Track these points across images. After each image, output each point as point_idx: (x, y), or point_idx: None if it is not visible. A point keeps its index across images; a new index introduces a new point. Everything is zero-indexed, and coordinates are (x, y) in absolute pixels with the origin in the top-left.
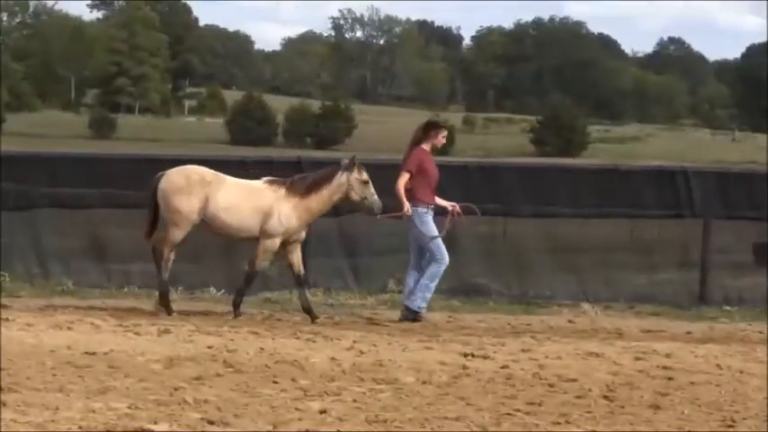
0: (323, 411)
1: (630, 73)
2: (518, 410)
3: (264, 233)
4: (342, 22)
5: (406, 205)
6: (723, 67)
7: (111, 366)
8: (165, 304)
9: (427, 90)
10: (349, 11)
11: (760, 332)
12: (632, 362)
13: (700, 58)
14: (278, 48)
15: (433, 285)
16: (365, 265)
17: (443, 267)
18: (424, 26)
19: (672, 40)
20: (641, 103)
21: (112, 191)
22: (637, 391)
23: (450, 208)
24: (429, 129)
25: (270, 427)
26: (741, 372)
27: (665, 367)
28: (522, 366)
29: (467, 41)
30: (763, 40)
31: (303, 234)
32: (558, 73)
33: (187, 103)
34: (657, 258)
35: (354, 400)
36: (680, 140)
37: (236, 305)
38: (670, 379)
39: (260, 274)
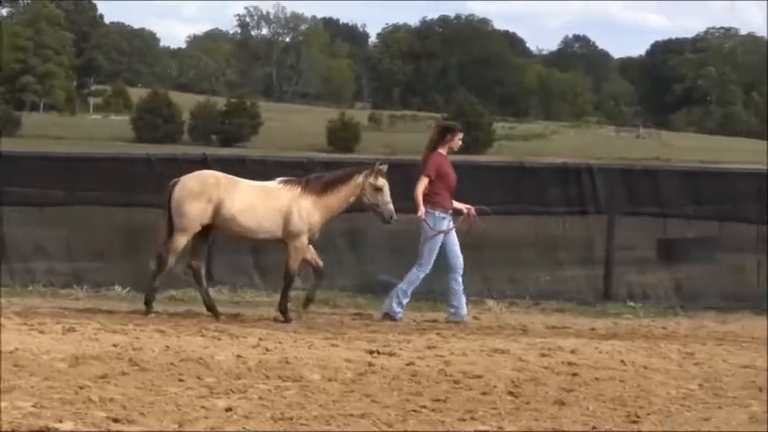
0: (228, 409)
1: (535, 70)
2: (424, 407)
3: (290, 234)
4: (248, 19)
5: (421, 210)
6: (627, 64)
7: (16, 365)
8: (147, 304)
9: (333, 87)
10: (255, 8)
11: (663, 328)
12: (537, 358)
13: (604, 56)
14: (183, 45)
15: (410, 290)
16: (271, 262)
17: (423, 275)
18: (329, 23)
19: (576, 37)
20: (546, 101)
21: (14, 189)
22: (542, 387)
23: (465, 210)
24: (445, 132)
25: (175, 426)
26: (645, 367)
27: (569, 363)
28: (427, 363)
29: (373, 39)
30: (665, 37)
31: (317, 232)
32: (464, 70)
33: (92, 100)
34: (562, 255)
35: (260, 398)
36: (585, 137)
37: (284, 311)
38: (575, 375)
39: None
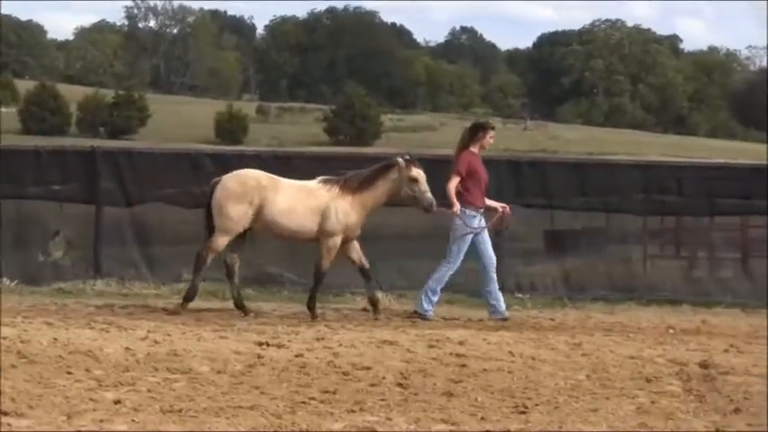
0: (117, 401)
1: (423, 62)
2: (313, 399)
3: (324, 233)
4: (135, 11)
5: (456, 206)
6: (514, 56)
7: None
8: (186, 300)
9: (221, 79)
10: (142, 0)
11: (551, 319)
12: (426, 349)
13: (491, 48)
14: (71, 37)
15: (439, 288)
16: (158, 254)
17: (451, 271)
18: (217, 16)
19: (464, 29)
20: (434, 92)
21: None
22: (430, 379)
23: (500, 209)
24: (476, 130)
25: (64, 418)
26: (533, 358)
27: (458, 355)
28: (316, 355)
29: (260, 31)
30: (552, 29)
31: (358, 230)
32: (352, 62)
33: None
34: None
35: (149, 390)
36: None
37: (312, 308)
38: (463, 366)
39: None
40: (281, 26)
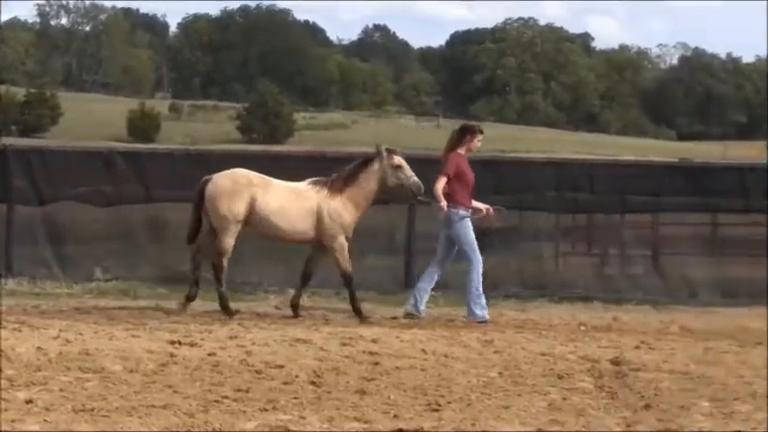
0: (29, 401)
1: (336, 60)
2: (226, 397)
3: (325, 236)
4: (47, 9)
5: (444, 203)
6: (427, 54)
7: None
8: (226, 311)
9: (134, 77)
10: None
11: (464, 317)
12: (339, 348)
13: (404, 46)
14: None
15: (480, 289)
16: (70, 253)
17: (479, 269)
18: (129, 13)
19: (377, 27)
20: (347, 91)
21: None
22: (343, 377)
23: (484, 210)
24: (464, 133)
25: None
26: (446, 356)
27: (371, 353)
28: (229, 353)
29: (173, 29)
30: (465, 27)
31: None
32: (265, 60)
33: None
34: (364, 244)
35: (61, 390)
36: (385, 127)
37: (358, 310)
38: (376, 364)
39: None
40: (193, 24)
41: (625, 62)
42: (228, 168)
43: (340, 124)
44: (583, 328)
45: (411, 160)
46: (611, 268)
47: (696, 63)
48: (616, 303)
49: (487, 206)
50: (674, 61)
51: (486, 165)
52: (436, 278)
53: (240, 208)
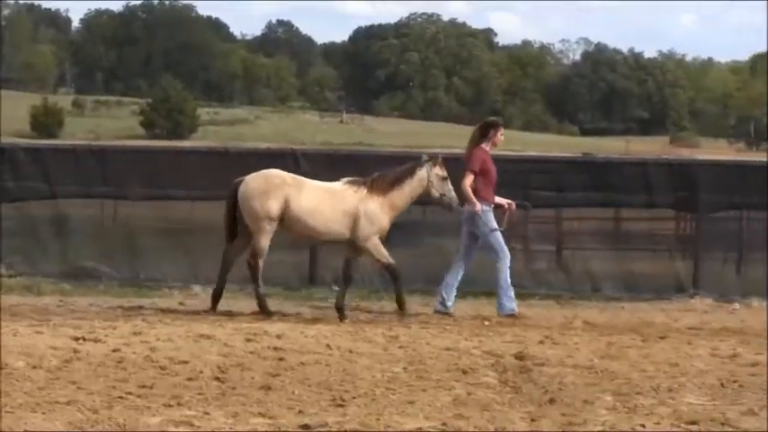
0: None
1: (240, 56)
2: (130, 393)
3: (360, 238)
4: None
5: (478, 205)
6: (331, 49)
7: None
8: (264, 311)
9: (37, 73)
10: None
11: (368, 312)
12: (243, 343)
13: (308, 41)
14: None
15: (509, 283)
16: None
17: (507, 262)
18: (32, 9)
19: (280, 22)
20: (251, 86)
21: None
22: (248, 373)
23: (506, 206)
24: (487, 128)
25: None
26: (350, 351)
27: (275, 348)
28: (133, 350)
29: (76, 24)
30: (368, 23)
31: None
32: (168, 56)
33: None
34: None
35: None
36: (289, 122)
37: (402, 304)
38: (281, 360)
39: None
40: (96, 19)
41: (528, 58)
42: (129, 165)
43: (243, 120)
44: (487, 323)
45: (315, 156)
46: (515, 263)
47: (598, 58)
48: (520, 298)
49: (509, 202)
50: (577, 57)
51: (390, 160)
52: (461, 273)
53: (274, 208)
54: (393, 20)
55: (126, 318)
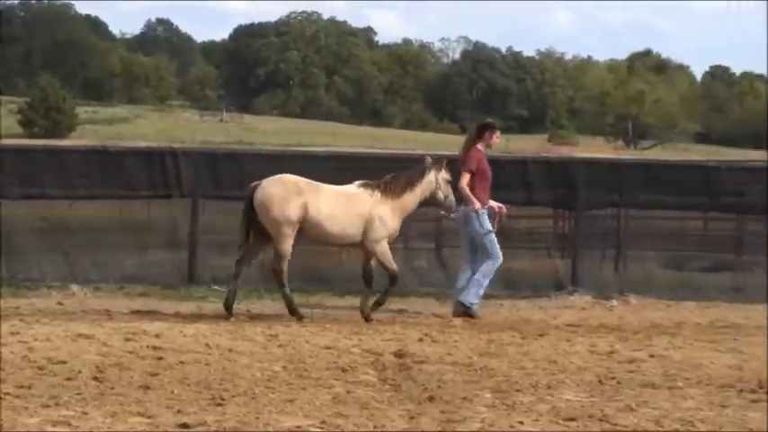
0: None
1: (119, 54)
2: (8, 394)
3: (371, 240)
4: None
5: (477, 204)
6: (210, 48)
7: None
8: (294, 314)
9: None
10: None
11: (248, 310)
12: (122, 343)
13: (187, 40)
14: None
15: (486, 282)
16: None
17: (497, 264)
18: None
19: (160, 21)
20: (130, 85)
21: None
22: (127, 372)
23: (497, 209)
24: (483, 130)
25: None
26: (230, 350)
27: (154, 347)
28: (11, 350)
29: None
30: (249, 21)
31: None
32: (47, 54)
33: None
34: (147, 239)
35: None
36: (169, 121)
37: (377, 306)
38: (160, 359)
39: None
40: None
41: (408, 56)
42: (6, 164)
43: (123, 118)
44: (367, 321)
45: (195, 155)
46: (395, 261)
47: (478, 57)
48: (400, 296)
49: (500, 205)
50: (457, 55)
51: (270, 159)
52: (464, 282)
53: (294, 213)
54: (273, 18)
55: (3, 318)
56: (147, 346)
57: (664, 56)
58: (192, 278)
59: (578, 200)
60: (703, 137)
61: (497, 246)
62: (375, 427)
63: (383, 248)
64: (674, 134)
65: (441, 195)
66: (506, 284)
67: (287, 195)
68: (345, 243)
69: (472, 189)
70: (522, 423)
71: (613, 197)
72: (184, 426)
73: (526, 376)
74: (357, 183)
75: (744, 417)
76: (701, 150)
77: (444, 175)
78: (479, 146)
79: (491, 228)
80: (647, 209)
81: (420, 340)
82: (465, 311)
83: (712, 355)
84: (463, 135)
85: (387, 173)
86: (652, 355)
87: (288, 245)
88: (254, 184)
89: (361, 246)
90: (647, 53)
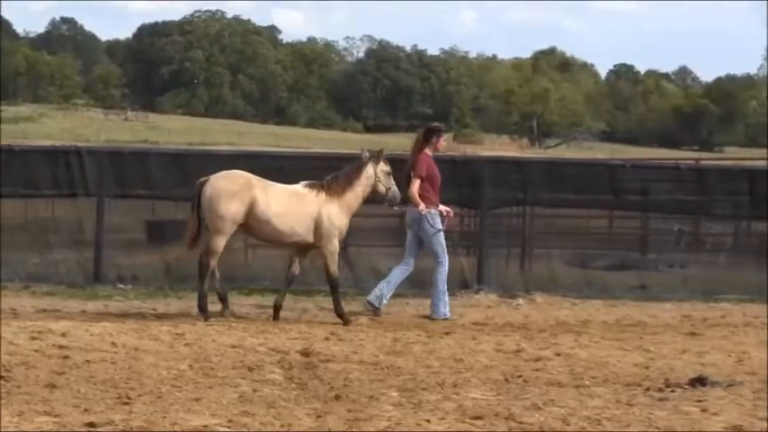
0: None
1: (23, 53)
2: None
3: (322, 239)
4: None
5: (422, 205)
6: (114, 46)
7: None
8: (203, 311)
9: None
10: None
11: (154, 309)
12: (28, 342)
13: (92, 38)
14: None
15: (445, 287)
16: None
17: (446, 268)
18: None
19: (64, 19)
20: (35, 83)
21: None
22: (33, 371)
23: (444, 212)
24: (431, 134)
25: None
26: (136, 349)
27: (60, 346)
28: None
29: None
30: (152, 20)
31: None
32: None
33: None
34: (52, 238)
35: None
36: (74, 120)
37: (341, 314)
38: (66, 358)
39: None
40: None
41: (312, 54)
42: None
43: (27, 117)
44: (272, 320)
45: (100, 154)
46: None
47: (382, 56)
48: (306, 295)
49: (447, 208)
50: (361, 54)
51: (174, 158)
52: (407, 274)
53: (240, 210)
54: (177, 17)
55: None
56: (53, 345)
57: (568, 54)
58: (97, 277)
59: (483, 198)
60: (608, 135)
61: (445, 248)
62: (282, 425)
63: (334, 248)
64: (579, 132)
65: (382, 188)
66: (413, 283)
67: (235, 191)
68: (293, 242)
69: (425, 193)
70: (428, 421)
71: (518, 195)
72: (91, 425)
73: (432, 375)
74: (303, 183)
75: (650, 415)
76: (605, 149)
77: (383, 167)
78: (427, 150)
79: (441, 227)
80: (552, 207)
81: (326, 339)
82: (438, 319)
83: (618, 354)
84: (368, 134)
85: (294, 172)
86: (558, 354)
87: (222, 242)
88: (202, 179)
89: (307, 246)
90: (552, 51)
